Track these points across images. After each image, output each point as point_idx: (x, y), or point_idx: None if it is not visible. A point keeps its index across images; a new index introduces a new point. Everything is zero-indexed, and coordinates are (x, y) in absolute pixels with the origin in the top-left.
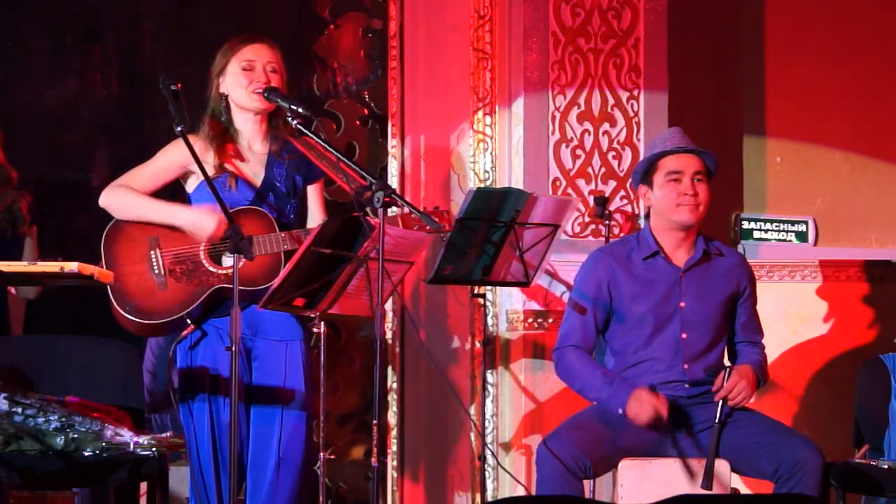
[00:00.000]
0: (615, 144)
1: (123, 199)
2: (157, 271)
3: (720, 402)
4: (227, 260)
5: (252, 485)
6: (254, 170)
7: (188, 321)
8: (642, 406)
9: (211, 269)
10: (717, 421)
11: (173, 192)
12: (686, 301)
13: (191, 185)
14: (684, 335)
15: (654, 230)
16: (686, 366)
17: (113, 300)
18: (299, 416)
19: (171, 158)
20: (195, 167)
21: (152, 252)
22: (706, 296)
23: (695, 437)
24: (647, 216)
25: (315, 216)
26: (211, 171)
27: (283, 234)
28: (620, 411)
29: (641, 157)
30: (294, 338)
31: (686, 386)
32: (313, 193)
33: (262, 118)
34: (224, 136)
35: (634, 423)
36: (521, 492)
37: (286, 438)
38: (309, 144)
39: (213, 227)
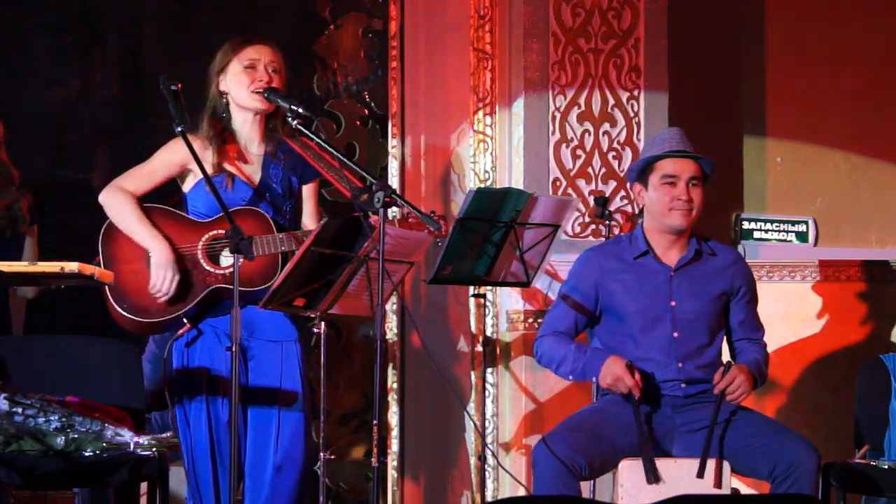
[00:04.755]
0: (615, 144)
1: (117, 208)
2: None
3: (718, 396)
4: (225, 260)
5: (250, 486)
6: (251, 170)
7: (184, 320)
8: (614, 375)
9: (208, 268)
10: (714, 413)
11: (167, 192)
12: (677, 300)
13: (187, 185)
14: (676, 334)
15: (646, 230)
16: (680, 364)
17: (110, 298)
18: (297, 416)
19: (169, 157)
20: (193, 166)
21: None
22: (697, 295)
23: (693, 437)
24: (643, 213)
25: (307, 217)
26: (209, 171)
27: (280, 236)
28: (594, 380)
29: (640, 155)
30: (289, 338)
31: (682, 385)
32: (308, 193)
33: (261, 119)
34: (222, 136)
35: (608, 390)
36: (521, 492)
37: (284, 440)
38: (305, 144)
39: (164, 281)
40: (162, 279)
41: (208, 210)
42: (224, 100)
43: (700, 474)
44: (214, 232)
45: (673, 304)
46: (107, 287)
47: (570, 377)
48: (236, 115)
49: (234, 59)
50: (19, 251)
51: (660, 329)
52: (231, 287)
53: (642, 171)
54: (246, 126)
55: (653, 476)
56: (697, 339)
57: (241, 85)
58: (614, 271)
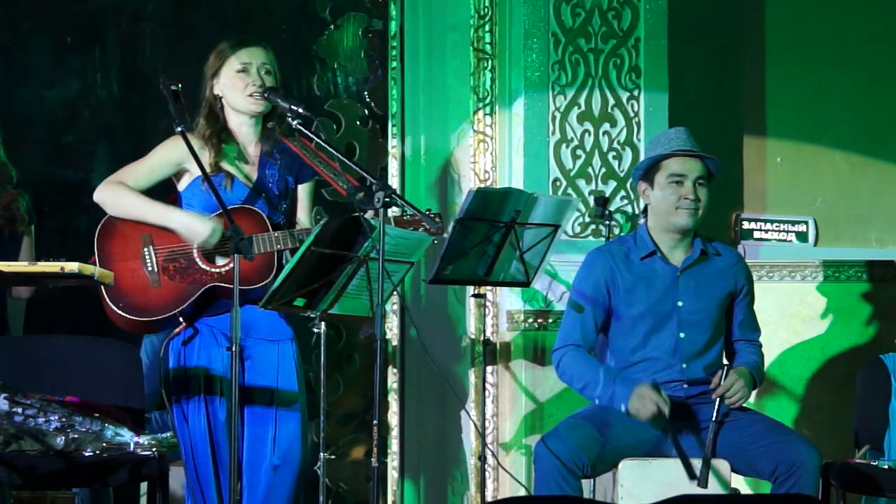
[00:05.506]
0: (615, 144)
1: (118, 197)
2: (150, 268)
3: (717, 401)
4: (221, 258)
5: (248, 485)
6: (247, 171)
7: (180, 319)
8: (644, 402)
9: (204, 267)
10: (713, 420)
11: (162, 191)
12: (684, 300)
13: (183, 184)
14: (682, 334)
15: (651, 230)
16: (684, 365)
17: (106, 297)
18: (294, 416)
19: (166, 156)
20: (190, 165)
21: (145, 249)
22: (704, 295)
23: (694, 437)
24: (645, 212)
25: (301, 216)
26: (207, 171)
27: (276, 234)
28: (623, 408)
29: (643, 156)
30: (285, 337)
31: (685, 385)
32: (303, 193)
33: (257, 121)
34: (219, 137)
35: (637, 419)
36: (521, 492)
37: (282, 439)
38: (302, 144)
39: (205, 232)
40: (204, 238)
41: (204, 209)
42: (219, 103)
43: (703, 485)
44: None
45: (680, 304)
46: (103, 286)
47: (596, 401)
48: (232, 117)
49: (227, 62)
50: (16, 252)
51: (667, 329)
52: (227, 286)
53: (648, 170)
54: (243, 128)
55: (705, 482)
56: (702, 339)
57: (235, 89)
58: (622, 271)
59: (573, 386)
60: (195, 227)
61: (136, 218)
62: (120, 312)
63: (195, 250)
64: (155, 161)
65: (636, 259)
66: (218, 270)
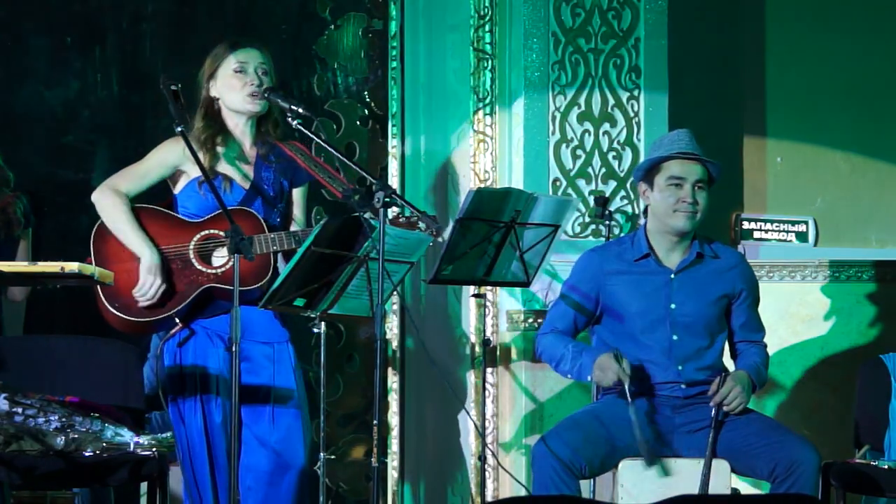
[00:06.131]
0: (615, 144)
1: (109, 208)
2: None
3: (714, 408)
4: (217, 259)
5: (251, 485)
6: (243, 173)
7: (176, 320)
8: (605, 373)
9: (200, 267)
10: (712, 425)
11: (157, 194)
12: (677, 303)
13: (179, 186)
14: (675, 337)
15: (648, 231)
16: (680, 367)
17: (102, 297)
18: (292, 417)
19: (162, 158)
20: (186, 167)
21: None
22: (697, 298)
23: (693, 437)
24: (646, 213)
25: (298, 219)
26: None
27: (273, 235)
28: (589, 378)
29: (643, 157)
30: (281, 340)
31: (682, 387)
32: (298, 196)
33: (252, 122)
34: (214, 140)
35: (600, 385)
36: (521, 492)
37: (280, 441)
38: (297, 148)
39: (150, 289)
40: (150, 284)
41: (199, 210)
42: (216, 105)
43: (704, 489)
44: (206, 232)
45: (673, 306)
46: (99, 286)
47: (568, 376)
48: (228, 119)
49: (223, 63)
50: (13, 254)
51: (659, 332)
52: (223, 286)
53: (649, 171)
54: (238, 129)
55: (649, 459)
56: (697, 341)
57: (232, 89)
58: (615, 272)
59: (549, 364)
60: (150, 277)
61: (116, 236)
62: (116, 313)
63: (191, 251)
64: (151, 164)
65: (630, 260)
66: (214, 271)
